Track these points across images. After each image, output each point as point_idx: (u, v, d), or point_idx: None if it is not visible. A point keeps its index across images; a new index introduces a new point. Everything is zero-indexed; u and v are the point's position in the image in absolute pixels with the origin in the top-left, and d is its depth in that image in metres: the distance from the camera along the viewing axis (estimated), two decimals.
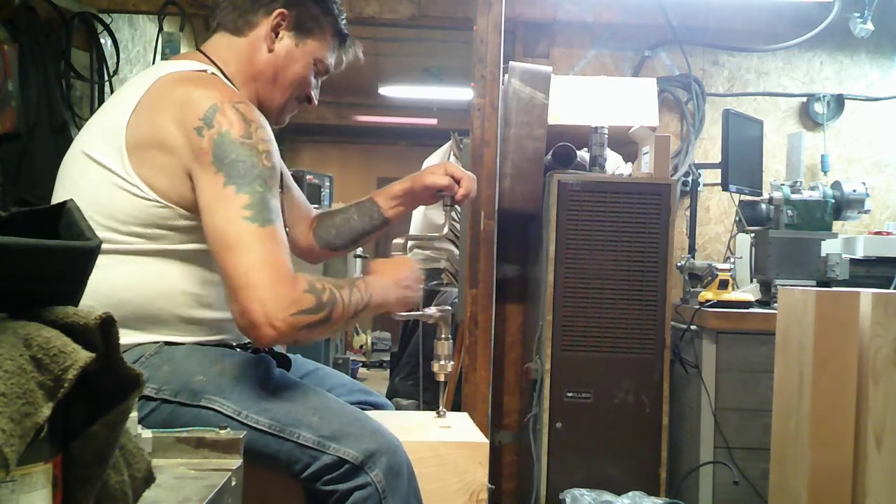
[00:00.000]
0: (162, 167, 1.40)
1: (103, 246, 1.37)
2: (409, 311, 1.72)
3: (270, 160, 1.40)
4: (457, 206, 1.91)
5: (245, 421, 1.37)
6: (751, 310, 2.72)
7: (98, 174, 1.42)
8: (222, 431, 1.07)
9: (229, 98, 1.43)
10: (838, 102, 3.36)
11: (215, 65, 1.56)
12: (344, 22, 1.69)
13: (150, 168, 1.40)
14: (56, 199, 1.49)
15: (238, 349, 1.52)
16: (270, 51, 1.59)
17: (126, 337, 1.41)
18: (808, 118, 3.37)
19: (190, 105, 1.40)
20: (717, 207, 3.35)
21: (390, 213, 1.86)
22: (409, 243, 3.49)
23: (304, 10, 1.61)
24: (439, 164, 1.82)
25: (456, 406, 2.85)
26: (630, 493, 2.45)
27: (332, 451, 1.36)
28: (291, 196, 1.86)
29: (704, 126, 3.31)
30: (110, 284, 1.40)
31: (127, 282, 1.42)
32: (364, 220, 1.87)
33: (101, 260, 1.37)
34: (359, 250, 4.89)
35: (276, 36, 1.59)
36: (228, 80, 1.56)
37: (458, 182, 1.78)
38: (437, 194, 1.82)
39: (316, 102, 1.70)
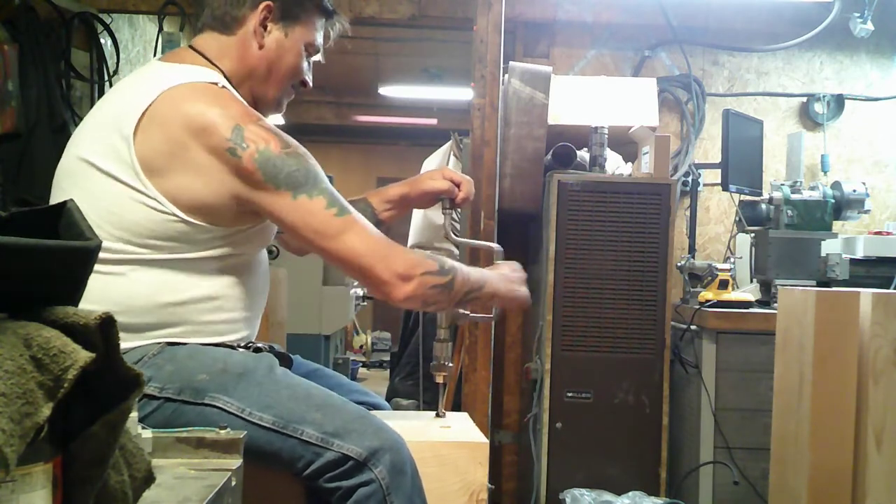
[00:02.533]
0: (188, 186, 1.40)
1: (116, 255, 1.39)
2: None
3: (311, 158, 1.47)
4: (455, 209, 1.92)
5: (248, 418, 1.37)
6: (751, 310, 2.72)
7: (111, 186, 1.41)
8: (222, 431, 1.07)
9: (248, 116, 1.44)
10: (838, 102, 3.36)
11: (215, 66, 1.55)
12: None
13: (172, 186, 1.40)
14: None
15: (241, 349, 1.52)
16: (261, 46, 1.58)
17: (134, 341, 1.41)
18: (808, 118, 3.37)
19: (212, 126, 1.40)
20: (717, 207, 3.35)
21: (384, 216, 1.87)
22: (410, 243, 3.49)
23: None
24: (437, 169, 1.83)
25: (456, 406, 2.85)
26: (630, 493, 2.45)
27: (335, 448, 1.36)
28: None
29: (704, 126, 3.31)
30: (123, 292, 1.40)
31: (140, 290, 1.42)
32: None
33: (114, 268, 1.40)
34: None
35: (265, 30, 1.58)
36: (229, 81, 1.55)
37: (457, 186, 1.79)
38: (436, 198, 1.82)
39: (311, 84, 1.70)
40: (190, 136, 1.39)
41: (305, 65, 1.66)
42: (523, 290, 1.70)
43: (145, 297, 1.43)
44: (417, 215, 3.54)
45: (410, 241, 3.50)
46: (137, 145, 1.40)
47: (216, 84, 1.48)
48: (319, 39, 1.67)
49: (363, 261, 1.43)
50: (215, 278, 1.48)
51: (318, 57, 1.72)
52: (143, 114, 1.41)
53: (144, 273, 1.43)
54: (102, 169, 1.42)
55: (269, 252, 1.77)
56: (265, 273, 1.63)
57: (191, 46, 1.60)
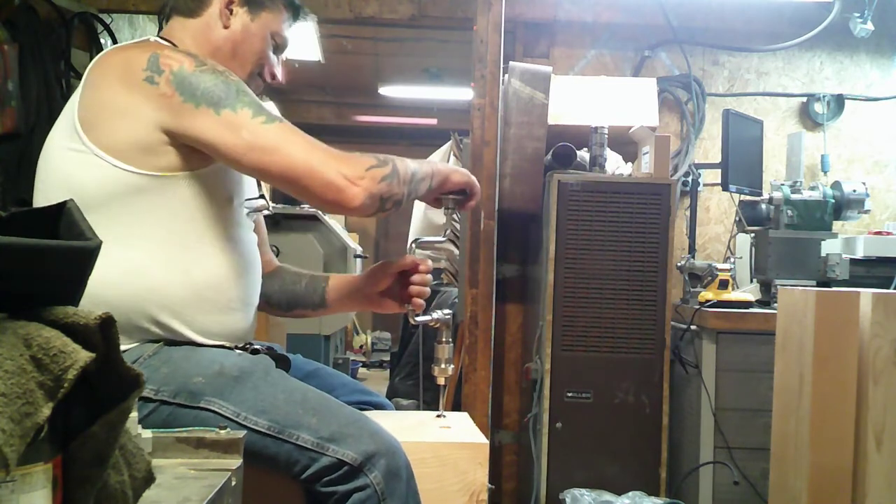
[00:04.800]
0: (117, 132, 1.39)
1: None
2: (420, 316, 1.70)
3: (233, 75, 1.43)
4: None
5: (244, 423, 1.36)
6: (751, 310, 2.72)
7: (61, 155, 1.43)
8: (222, 431, 1.07)
9: (166, 46, 1.46)
10: (838, 102, 3.36)
11: (170, 42, 1.55)
12: None
13: (104, 136, 1.39)
14: (36, 193, 1.49)
15: (237, 351, 1.51)
16: (226, 27, 1.59)
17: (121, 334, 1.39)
18: (808, 118, 3.37)
19: (129, 62, 1.41)
20: (717, 207, 3.35)
21: (331, 297, 1.79)
22: (409, 243, 3.49)
23: None
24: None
25: (456, 406, 2.85)
26: (630, 493, 2.45)
27: (330, 453, 1.36)
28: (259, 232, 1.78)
29: (704, 126, 3.31)
30: (97, 281, 1.37)
31: (112, 275, 1.38)
32: (308, 290, 1.80)
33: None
34: (359, 250, 4.89)
35: (230, 13, 1.59)
36: None
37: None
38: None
39: (281, 79, 1.69)
40: (112, 79, 1.40)
41: (273, 56, 1.65)
42: (464, 171, 1.67)
43: (115, 283, 1.39)
44: (417, 214, 3.55)
45: (410, 239, 3.50)
46: (80, 108, 1.42)
47: (147, 40, 1.52)
48: (287, 33, 1.66)
49: (309, 171, 1.36)
50: (190, 257, 1.45)
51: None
52: (84, 82, 1.44)
53: (113, 253, 1.37)
54: (58, 143, 1.44)
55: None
56: (252, 263, 1.58)
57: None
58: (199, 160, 1.43)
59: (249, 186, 1.61)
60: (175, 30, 1.60)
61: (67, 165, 1.42)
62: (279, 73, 1.68)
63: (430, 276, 1.70)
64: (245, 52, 1.60)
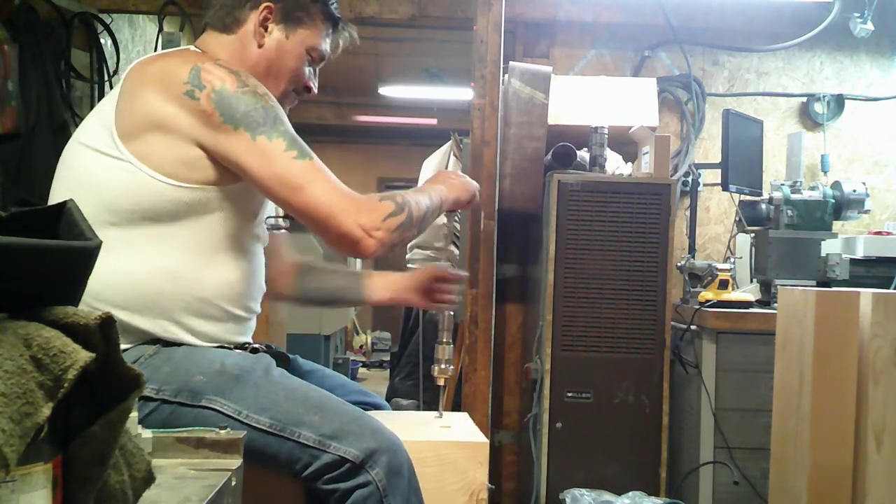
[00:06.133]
0: (156, 143, 1.40)
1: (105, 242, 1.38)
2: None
3: (272, 100, 1.45)
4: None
5: (245, 421, 1.37)
6: (751, 310, 2.72)
7: (94, 159, 1.43)
8: (222, 431, 1.07)
9: (207, 58, 1.46)
10: (838, 102, 3.36)
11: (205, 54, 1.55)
12: (335, 5, 1.66)
13: (142, 146, 1.40)
14: (55, 189, 1.49)
15: (237, 350, 1.51)
16: (260, 46, 1.57)
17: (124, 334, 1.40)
18: (808, 118, 3.37)
19: (170, 73, 1.41)
20: (717, 207, 3.35)
21: (368, 292, 1.86)
22: (410, 244, 3.49)
23: (291, 1, 1.59)
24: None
25: (456, 406, 2.85)
26: (630, 493, 2.45)
27: (332, 450, 1.36)
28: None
29: (704, 126, 3.31)
30: (109, 280, 1.38)
31: (118, 278, 1.40)
32: (346, 286, 1.88)
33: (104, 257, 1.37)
34: None
35: (265, 30, 1.58)
36: None
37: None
38: None
39: (315, 91, 1.68)
40: (151, 91, 1.40)
41: (308, 70, 1.64)
42: (470, 183, 1.72)
43: (122, 284, 1.40)
44: None
45: (410, 242, 3.50)
46: (117, 118, 1.42)
47: (187, 49, 1.53)
48: (324, 46, 1.64)
49: (328, 216, 1.40)
50: (202, 265, 1.45)
51: None
52: (121, 89, 1.44)
53: (128, 255, 1.41)
54: (90, 146, 1.44)
55: None
56: (259, 274, 1.60)
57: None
58: (233, 175, 1.45)
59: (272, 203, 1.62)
60: (209, 43, 1.58)
61: (96, 168, 1.42)
62: (314, 85, 1.67)
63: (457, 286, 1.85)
64: (279, 70, 1.59)
